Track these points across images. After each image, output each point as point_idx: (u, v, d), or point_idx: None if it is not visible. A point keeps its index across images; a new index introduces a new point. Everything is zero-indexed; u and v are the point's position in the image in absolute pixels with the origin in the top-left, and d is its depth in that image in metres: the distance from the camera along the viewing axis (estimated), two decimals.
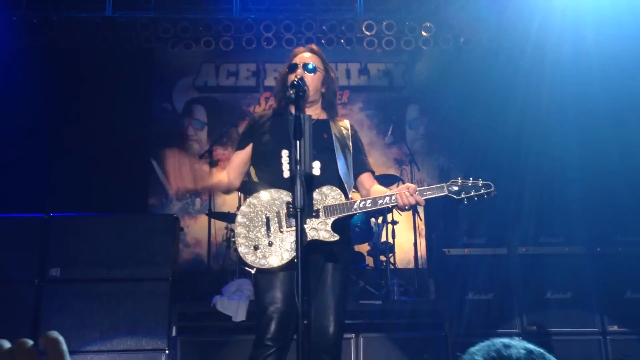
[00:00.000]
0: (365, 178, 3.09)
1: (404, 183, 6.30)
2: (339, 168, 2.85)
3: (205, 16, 7.18)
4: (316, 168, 2.80)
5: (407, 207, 2.72)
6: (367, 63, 8.21)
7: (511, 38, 7.35)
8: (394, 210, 5.87)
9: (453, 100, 7.93)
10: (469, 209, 6.88)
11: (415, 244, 6.28)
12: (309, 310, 2.75)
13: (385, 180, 6.04)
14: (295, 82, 2.54)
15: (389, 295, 5.14)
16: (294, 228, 2.61)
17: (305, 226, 2.68)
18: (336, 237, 2.69)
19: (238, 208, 5.00)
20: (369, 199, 2.75)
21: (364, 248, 6.25)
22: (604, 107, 6.64)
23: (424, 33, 7.44)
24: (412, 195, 2.68)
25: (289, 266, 2.63)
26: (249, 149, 3.02)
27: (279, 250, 2.67)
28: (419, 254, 6.32)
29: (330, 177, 2.83)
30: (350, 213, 2.74)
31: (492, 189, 2.77)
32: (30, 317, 4.36)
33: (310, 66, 2.95)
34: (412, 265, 6.43)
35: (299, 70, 2.92)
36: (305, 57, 3.02)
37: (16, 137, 6.83)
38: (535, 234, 4.96)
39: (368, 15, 7.33)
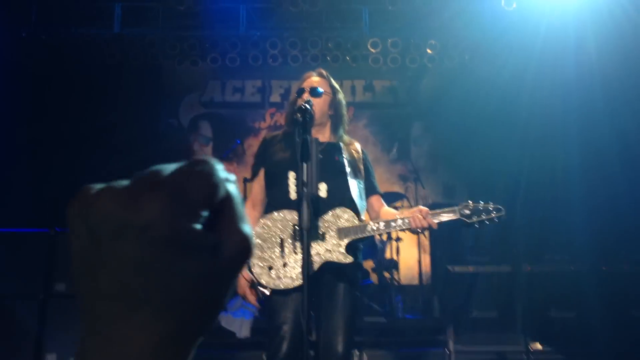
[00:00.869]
0: (375, 200, 3.12)
1: (408, 200, 6.37)
2: (352, 191, 2.89)
3: (212, 33, 7.25)
4: (322, 190, 2.83)
5: (419, 230, 2.74)
6: (373, 80, 8.27)
7: (516, 55, 7.39)
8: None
9: (458, 117, 7.97)
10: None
11: (419, 261, 6.29)
12: (318, 329, 2.77)
13: (390, 197, 6.07)
14: (302, 107, 2.57)
15: (393, 312, 5.14)
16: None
17: (319, 248, 2.73)
18: (350, 259, 2.73)
19: None
20: (382, 221, 2.78)
21: (368, 265, 6.26)
22: (608, 125, 6.66)
23: (429, 50, 7.49)
24: (425, 218, 2.71)
25: (301, 287, 2.65)
26: (262, 174, 3.04)
27: (292, 271, 2.70)
28: (423, 270, 6.32)
29: (341, 199, 2.85)
30: (364, 235, 2.77)
31: (503, 212, 2.80)
32: (35, 332, 4.38)
33: (317, 90, 2.98)
34: (416, 282, 6.43)
35: (306, 95, 2.96)
36: (313, 80, 3.06)
37: (22, 152, 6.89)
38: (540, 251, 4.96)
39: (373, 33, 7.38)
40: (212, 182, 0.48)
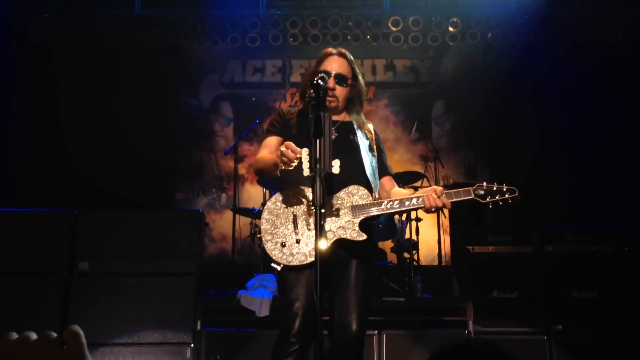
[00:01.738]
0: (386, 181, 3.10)
1: (428, 180, 6.33)
2: (366, 169, 2.88)
3: (232, 13, 7.23)
4: (335, 166, 2.82)
5: (433, 210, 2.73)
6: (393, 59, 8.18)
7: (539, 33, 7.26)
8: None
9: (479, 96, 7.87)
10: (495, 207, 6.84)
11: (439, 241, 6.26)
12: (332, 308, 2.78)
13: (410, 177, 6.03)
14: (315, 82, 2.55)
15: (412, 293, 5.13)
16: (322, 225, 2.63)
17: (332, 225, 2.73)
18: (364, 237, 2.72)
19: (263, 204, 5.05)
20: (397, 199, 2.78)
21: (387, 245, 6.25)
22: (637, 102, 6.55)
23: (450, 28, 7.39)
24: (439, 197, 2.69)
25: (314, 264, 2.65)
26: (281, 137, 3.00)
27: (306, 248, 2.70)
28: (442, 251, 6.29)
29: (354, 176, 2.85)
30: (378, 213, 2.76)
31: (516, 194, 2.81)
32: (60, 310, 4.46)
33: (344, 77, 2.95)
34: (436, 263, 6.41)
35: (331, 81, 2.92)
36: (335, 61, 3.00)
37: (46, 132, 6.98)
38: (562, 232, 4.90)
39: (394, 11, 7.31)
40: None
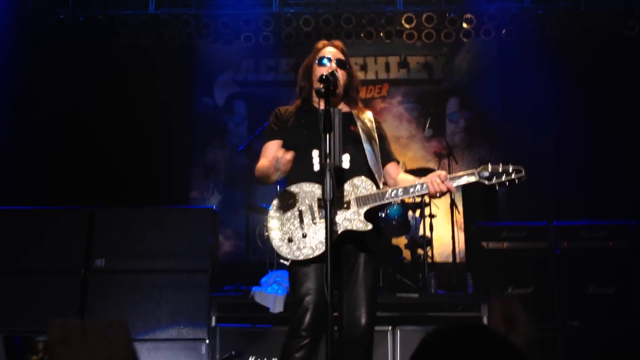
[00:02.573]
0: (392, 167, 3.10)
1: None
2: (368, 159, 2.88)
3: (245, 11, 7.25)
4: (345, 161, 2.83)
5: (438, 195, 2.72)
6: (407, 56, 8.16)
7: (555, 29, 7.20)
8: (432, 204, 5.85)
9: (494, 93, 7.83)
10: (509, 203, 6.81)
11: (453, 238, 6.24)
12: (341, 302, 2.78)
13: (424, 174, 5.98)
14: (325, 76, 2.56)
15: (426, 289, 5.12)
16: None
17: (338, 217, 2.72)
18: (370, 227, 2.72)
19: None
20: (400, 187, 2.77)
21: (401, 242, 6.24)
22: None
23: (464, 25, 7.35)
24: (443, 182, 2.68)
25: (322, 257, 2.66)
26: (279, 142, 3.03)
27: (312, 242, 2.71)
28: (457, 247, 6.27)
29: (360, 168, 2.86)
30: (383, 202, 2.76)
31: (523, 173, 2.75)
32: (76, 307, 4.52)
33: (342, 61, 2.98)
34: (450, 259, 6.39)
35: (333, 64, 2.94)
36: (331, 51, 3.04)
37: (63, 132, 7.06)
38: (578, 228, 4.86)
39: (408, 8, 7.27)
40: None
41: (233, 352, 4.30)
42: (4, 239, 4.72)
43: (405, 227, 5.67)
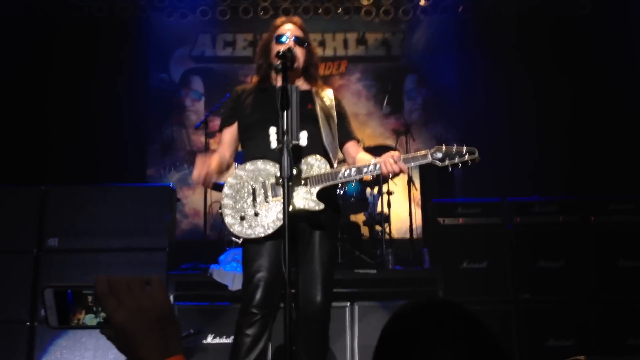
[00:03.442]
0: (351, 146, 3.11)
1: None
2: (324, 137, 2.88)
3: None
4: (303, 138, 2.82)
5: (391, 176, 2.75)
6: (365, 33, 8.14)
7: (509, 6, 7.30)
8: (390, 181, 5.91)
9: (451, 70, 7.90)
10: (465, 179, 6.93)
11: (410, 214, 6.32)
12: (297, 279, 2.80)
13: (382, 151, 6.04)
14: (282, 53, 2.54)
15: (384, 265, 5.19)
16: (279, 198, 2.66)
17: (291, 196, 2.72)
18: (321, 206, 2.73)
19: None
20: (354, 167, 2.79)
21: (360, 218, 6.29)
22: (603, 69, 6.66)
23: (422, 2, 7.38)
24: (396, 162, 2.71)
25: (275, 235, 2.68)
26: (235, 124, 3.04)
27: (264, 220, 2.71)
28: (414, 224, 6.36)
29: (316, 146, 2.85)
30: (335, 182, 2.77)
31: (476, 155, 2.79)
32: (30, 287, 4.42)
33: (300, 38, 2.95)
34: (407, 236, 6.48)
35: (290, 42, 2.91)
36: (289, 28, 3.02)
37: (12, 107, 6.82)
38: (530, 203, 4.98)
39: None
40: None
41: (192, 330, 4.28)
42: None
43: (363, 204, 5.71)
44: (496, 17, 7.35)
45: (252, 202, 2.74)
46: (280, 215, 2.66)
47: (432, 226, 5.18)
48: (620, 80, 6.79)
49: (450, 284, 4.75)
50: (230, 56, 8.07)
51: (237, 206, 2.76)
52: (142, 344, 0.98)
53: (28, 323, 4.33)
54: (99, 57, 7.11)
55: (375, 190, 5.90)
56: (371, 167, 2.76)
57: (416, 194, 6.61)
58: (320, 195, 2.74)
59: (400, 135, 6.90)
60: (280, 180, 2.35)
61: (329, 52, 8.00)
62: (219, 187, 6.13)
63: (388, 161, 2.71)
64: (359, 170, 2.77)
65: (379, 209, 5.91)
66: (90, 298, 1.03)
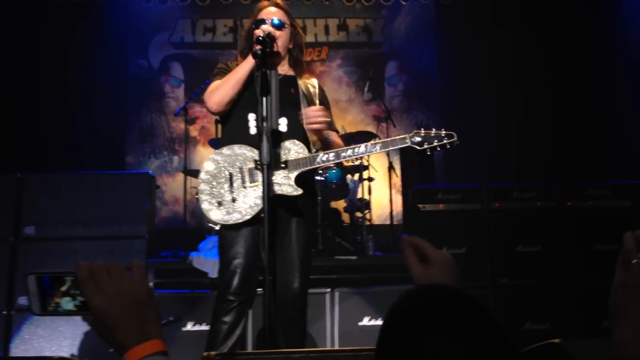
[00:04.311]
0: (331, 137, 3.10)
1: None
2: (304, 124, 2.86)
3: None
4: (283, 124, 2.81)
5: (316, 126, 2.81)
6: (346, 18, 8.11)
7: None
8: (370, 167, 5.92)
9: (431, 57, 7.91)
10: (446, 165, 6.97)
11: (390, 200, 6.35)
12: (274, 266, 2.79)
13: (362, 137, 6.05)
14: (261, 38, 2.51)
15: (364, 251, 5.21)
16: (257, 183, 2.65)
17: None
18: (300, 192, 2.72)
19: None
20: (332, 151, 2.77)
21: (340, 205, 6.30)
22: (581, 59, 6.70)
23: None
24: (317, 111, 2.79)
25: (252, 221, 2.66)
26: None
27: (242, 206, 2.70)
28: (394, 210, 6.39)
29: (296, 132, 2.84)
30: (314, 166, 2.76)
31: (455, 138, 2.80)
32: (6, 275, 4.36)
33: (278, 22, 2.90)
34: (388, 222, 6.51)
35: (267, 26, 2.87)
36: (271, 12, 2.97)
37: None
38: (509, 189, 5.02)
39: None
40: None
41: (172, 318, 4.27)
42: None
43: (344, 190, 5.72)
44: (476, 2, 7.35)
45: (230, 188, 2.72)
46: (258, 201, 2.64)
47: (412, 212, 5.19)
48: (601, 68, 6.85)
49: None
50: (210, 42, 7.99)
51: (214, 192, 2.73)
52: (119, 327, 1.00)
53: (5, 312, 4.27)
54: (77, 43, 7.00)
55: (356, 176, 5.91)
56: (349, 152, 2.76)
57: (397, 180, 6.63)
58: (298, 181, 2.73)
59: (381, 122, 6.91)
60: (260, 166, 2.32)
61: (310, 38, 7.96)
62: (195, 174, 6.11)
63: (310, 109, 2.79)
64: (338, 155, 2.76)
65: (359, 195, 5.93)
66: (68, 281, 1.05)
